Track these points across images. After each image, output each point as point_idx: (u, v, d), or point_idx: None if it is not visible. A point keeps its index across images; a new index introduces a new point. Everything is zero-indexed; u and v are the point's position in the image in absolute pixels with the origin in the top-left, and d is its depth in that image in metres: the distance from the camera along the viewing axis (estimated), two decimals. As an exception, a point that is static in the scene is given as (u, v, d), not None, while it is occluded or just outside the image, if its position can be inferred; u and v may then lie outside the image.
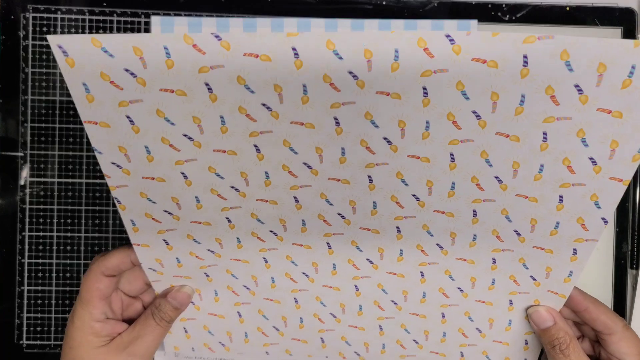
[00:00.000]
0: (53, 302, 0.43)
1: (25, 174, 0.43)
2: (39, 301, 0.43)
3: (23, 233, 0.43)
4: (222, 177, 0.32)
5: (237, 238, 0.36)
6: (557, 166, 0.31)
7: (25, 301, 0.43)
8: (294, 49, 0.27)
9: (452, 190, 0.33)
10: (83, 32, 0.42)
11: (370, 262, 0.37)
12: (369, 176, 0.32)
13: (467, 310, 0.39)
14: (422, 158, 0.31)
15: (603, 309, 0.36)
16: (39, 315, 0.43)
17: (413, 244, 0.36)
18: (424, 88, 0.28)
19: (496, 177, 0.32)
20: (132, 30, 0.42)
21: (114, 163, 0.32)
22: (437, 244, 0.36)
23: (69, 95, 0.42)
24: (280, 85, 0.28)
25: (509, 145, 0.30)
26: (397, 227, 0.35)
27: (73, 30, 0.42)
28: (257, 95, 0.29)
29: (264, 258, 0.37)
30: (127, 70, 0.28)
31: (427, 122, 0.29)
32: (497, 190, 0.32)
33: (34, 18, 0.42)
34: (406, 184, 0.32)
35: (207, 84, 0.28)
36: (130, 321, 0.38)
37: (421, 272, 0.37)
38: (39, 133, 0.42)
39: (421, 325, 0.40)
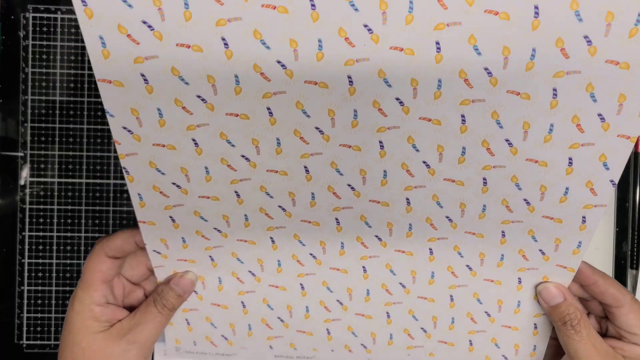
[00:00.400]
0: (53, 302, 0.43)
1: (25, 174, 0.43)
2: (39, 301, 0.43)
3: (23, 233, 0.43)
4: (233, 145, 0.32)
5: (245, 215, 0.35)
6: (567, 125, 0.31)
7: (25, 301, 0.43)
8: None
9: (462, 155, 0.32)
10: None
11: (379, 239, 0.36)
12: (380, 141, 0.32)
13: (475, 291, 0.38)
14: (433, 120, 0.31)
15: (611, 282, 0.36)
16: (39, 315, 0.43)
17: (422, 217, 0.35)
18: (437, 43, 0.28)
19: (507, 140, 0.32)
20: (132, 30, 0.42)
21: (125, 128, 0.31)
22: (447, 217, 0.35)
23: (69, 95, 0.42)
24: (296, 40, 0.28)
25: (519, 104, 0.30)
26: (407, 199, 0.34)
27: (73, 30, 0.42)
28: (272, 52, 0.28)
29: (271, 238, 0.36)
30: (144, 22, 0.27)
31: (440, 81, 0.29)
32: (507, 155, 0.32)
33: (34, 18, 0.42)
34: (417, 150, 0.32)
35: (223, 39, 0.28)
36: (131, 309, 0.37)
37: (430, 249, 0.37)
38: (39, 133, 0.42)
39: (429, 309, 0.39)
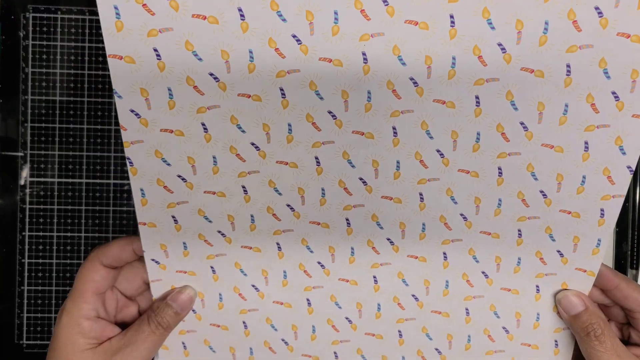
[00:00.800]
0: (53, 302, 0.43)
1: (25, 174, 0.43)
2: (39, 301, 0.43)
3: (23, 233, 0.43)
4: (243, 131, 0.31)
5: (251, 216, 0.33)
6: (582, 105, 0.30)
7: (25, 301, 0.43)
8: None
9: (477, 142, 0.31)
10: (83, 32, 0.42)
11: (391, 242, 0.35)
12: (394, 127, 0.31)
13: (492, 302, 0.36)
14: (447, 103, 0.30)
15: (634, 286, 0.34)
16: (39, 315, 0.43)
17: (436, 215, 0.34)
18: (451, 16, 0.28)
19: (522, 123, 0.31)
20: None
21: (132, 111, 0.30)
22: (461, 214, 0.34)
23: (69, 95, 0.42)
24: (312, 12, 0.28)
25: (533, 83, 0.30)
26: (420, 194, 0.33)
27: (73, 29, 0.42)
28: (287, 25, 0.28)
29: (277, 244, 0.35)
30: None
31: (454, 58, 0.29)
32: (522, 140, 0.31)
33: (34, 18, 0.42)
34: (431, 137, 0.31)
35: (240, 9, 0.28)
36: (123, 326, 0.34)
37: (444, 254, 0.35)
38: (39, 133, 0.42)
39: (444, 326, 0.37)
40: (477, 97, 0.30)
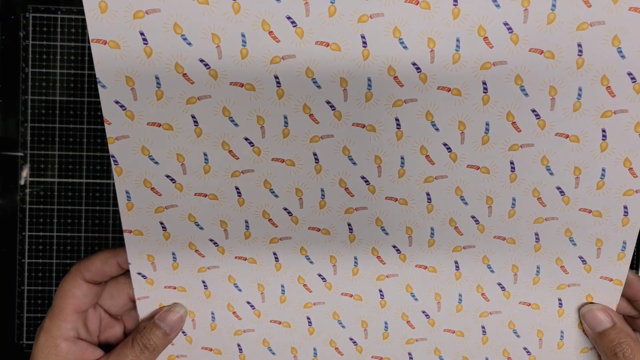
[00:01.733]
0: (53, 302, 0.43)
1: (25, 174, 0.43)
2: (39, 301, 0.43)
3: (23, 233, 0.43)
4: (236, 124, 0.29)
5: (246, 222, 0.31)
6: (596, 88, 0.28)
7: (25, 301, 0.43)
8: None
9: (486, 134, 0.29)
10: (83, 32, 0.42)
11: (398, 250, 0.32)
12: (397, 119, 0.29)
13: (510, 318, 0.33)
14: (453, 90, 0.28)
15: None
16: (39, 315, 0.43)
17: (445, 217, 0.31)
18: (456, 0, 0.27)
19: (533, 111, 0.29)
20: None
21: (117, 102, 0.28)
22: (472, 216, 0.31)
23: (69, 95, 0.42)
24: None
25: (543, 65, 0.28)
26: (427, 194, 0.30)
27: (73, 29, 0.42)
28: (282, 5, 0.27)
29: (274, 254, 0.32)
30: None
31: (458, 40, 0.27)
32: (535, 129, 0.29)
33: (34, 18, 0.42)
34: (437, 129, 0.29)
35: None
36: (106, 348, 0.31)
37: (456, 263, 0.32)
38: (39, 133, 0.42)
39: (458, 347, 0.34)
40: (484, 83, 0.28)
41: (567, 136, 0.29)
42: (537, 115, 0.29)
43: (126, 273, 0.32)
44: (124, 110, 0.28)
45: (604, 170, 0.30)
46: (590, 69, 0.28)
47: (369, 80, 0.28)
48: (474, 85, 0.28)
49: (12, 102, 0.42)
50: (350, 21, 0.27)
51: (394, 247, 0.32)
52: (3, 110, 0.42)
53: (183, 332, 0.33)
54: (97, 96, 0.42)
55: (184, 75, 0.28)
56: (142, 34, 0.27)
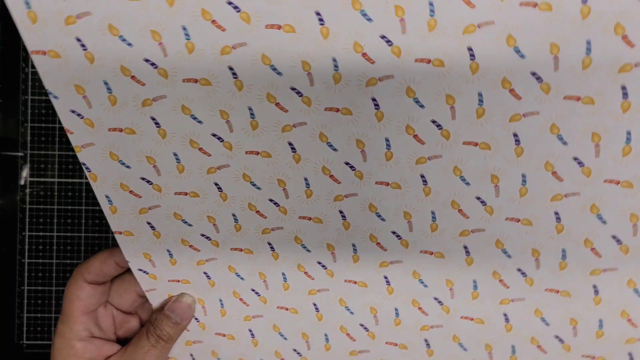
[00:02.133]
0: (53, 302, 0.43)
1: (25, 173, 0.43)
2: (39, 301, 0.43)
3: (23, 233, 0.43)
4: (199, 121, 0.27)
5: (233, 215, 0.29)
6: (608, 37, 0.24)
7: (25, 301, 0.43)
8: None
9: (480, 106, 0.26)
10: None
11: (398, 236, 0.29)
12: (374, 99, 0.26)
13: (536, 306, 0.30)
14: (434, 61, 0.25)
15: None
16: (39, 315, 0.43)
17: (447, 199, 0.28)
18: (470, 49, 0.25)
19: (533, 74, 0.25)
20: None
21: (73, 111, 0.27)
22: (478, 197, 0.28)
23: (69, 95, 0.42)
24: None
25: (542, 20, 0.24)
26: (422, 176, 0.28)
27: (73, 30, 0.42)
28: None
29: (269, 244, 0.30)
30: None
31: (431, 4, 0.25)
32: (538, 94, 0.25)
33: (34, 18, 0.42)
34: (421, 105, 0.26)
35: None
36: (125, 343, 0.32)
37: (465, 248, 0.29)
38: (39, 133, 0.42)
39: (480, 335, 0.31)
40: (470, 49, 0.25)
41: (578, 98, 0.25)
42: (539, 79, 0.25)
43: (130, 270, 0.32)
44: (81, 118, 0.27)
45: (629, 133, 0.25)
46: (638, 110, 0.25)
47: (334, 60, 0.25)
48: (458, 52, 0.25)
49: (12, 102, 0.42)
50: None
51: (394, 233, 0.30)
52: (3, 110, 0.42)
53: (196, 319, 0.33)
54: (97, 96, 0.42)
55: (133, 77, 0.26)
56: (78, 39, 0.25)
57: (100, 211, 0.43)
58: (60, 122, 0.42)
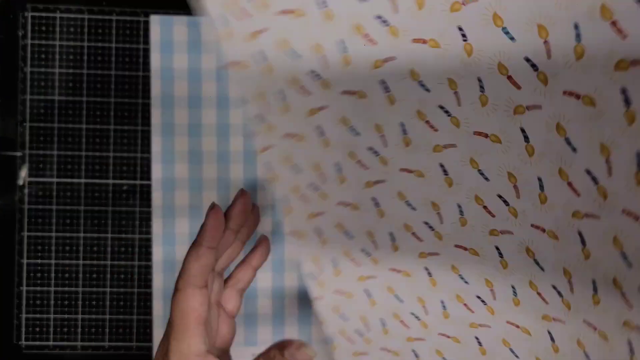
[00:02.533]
0: (52, 302, 0.43)
1: (24, 173, 0.42)
2: (38, 301, 0.43)
3: (22, 233, 0.43)
4: (358, 133, 0.27)
5: (391, 234, 0.29)
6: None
7: (24, 301, 0.43)
8: None
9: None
10: (82, 32, 0.42)
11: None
12: (522, 129, 0.23)
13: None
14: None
15: None
16: (37, 315, 0.43)
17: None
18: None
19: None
20: (131, 30, 0.42)
21: (257, 116, 0.29)
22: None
23: (68, 94, 0.42)
24: None
25: None
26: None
27: (72, 29, 0.42)
28: (368, 4, 0.25)
29: (426, 269, 0.29)
30: None
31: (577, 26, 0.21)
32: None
33: (33, 17, 0.42)
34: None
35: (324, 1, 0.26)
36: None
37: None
38: (38, 133, 0.42)
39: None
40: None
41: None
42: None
43: (220, 277, 0.30)
44: (263, 123, 0.29)
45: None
46: None
47: (480, 80, 0.22)
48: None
49: (11, 101, 0.42)
50: (443, 11, 0.22)
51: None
52: (2, 110, 0.42)
53: (360, 334, 0.33)
54: (96, 95, 0.42)
55: (302, 87, 0.28)
56: (261, 52, 0.28)
57: (99, 211, 0.43)
58: (59, 122, 0.42)
